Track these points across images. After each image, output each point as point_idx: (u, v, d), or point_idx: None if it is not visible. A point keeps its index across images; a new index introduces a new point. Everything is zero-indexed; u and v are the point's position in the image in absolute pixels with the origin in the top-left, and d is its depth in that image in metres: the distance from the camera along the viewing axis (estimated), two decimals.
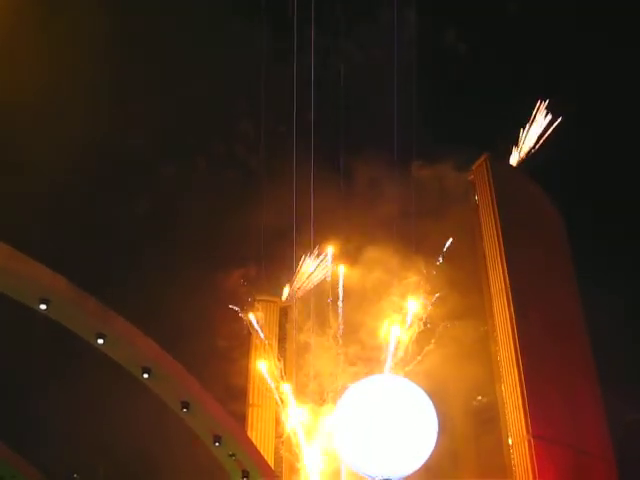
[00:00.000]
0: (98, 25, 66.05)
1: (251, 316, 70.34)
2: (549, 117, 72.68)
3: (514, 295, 63.38)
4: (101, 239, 71.98)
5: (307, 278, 72.67)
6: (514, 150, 73.27)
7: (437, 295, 64.41)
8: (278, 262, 69.21)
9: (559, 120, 72.33)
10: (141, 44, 68.96)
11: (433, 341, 63.48)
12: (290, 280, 73.90)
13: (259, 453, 55.46)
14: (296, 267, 72.15)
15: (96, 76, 67.07)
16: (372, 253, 66.14)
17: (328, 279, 70.17)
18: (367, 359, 64.78)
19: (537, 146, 72.86)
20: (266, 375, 67.63)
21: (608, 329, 70.81)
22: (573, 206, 74.35)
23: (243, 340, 70.43)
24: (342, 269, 68.99)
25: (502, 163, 71.83)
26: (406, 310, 64.92)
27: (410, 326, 64.39)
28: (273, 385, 68.11)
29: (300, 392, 66.81)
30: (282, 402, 67.28)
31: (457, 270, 65.59)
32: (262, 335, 69.70)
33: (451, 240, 66.98)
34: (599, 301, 69.34)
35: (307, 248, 70.03)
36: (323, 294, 69.49)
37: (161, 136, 74.90)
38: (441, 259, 66.37)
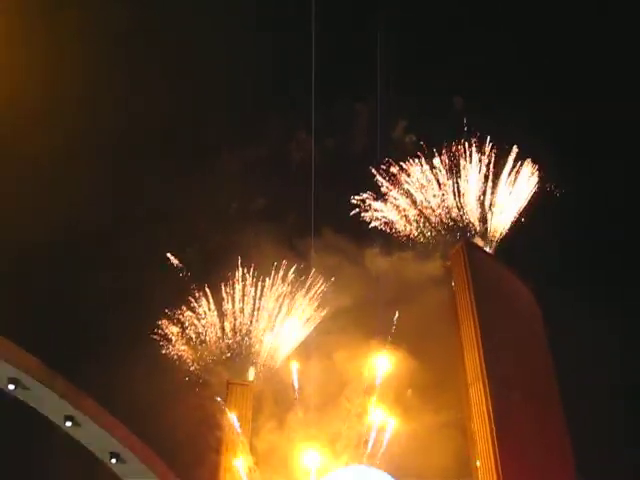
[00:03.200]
0: None
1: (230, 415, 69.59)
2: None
3: (491, 384, 62.91)
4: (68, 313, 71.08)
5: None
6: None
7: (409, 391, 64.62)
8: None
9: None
10: None
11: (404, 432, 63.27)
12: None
13: None
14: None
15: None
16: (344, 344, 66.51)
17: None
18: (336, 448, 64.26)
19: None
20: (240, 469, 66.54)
21: (588, 418, 70.49)
22: (550, 289, 74.65)
23: (214, 428, 69.04)
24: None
25: (478, 249, 72.20)
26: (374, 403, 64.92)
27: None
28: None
29: None
30: None
31: (433, 359, 65.31)
32: (237, 426, 68.51)
33: (426, 327, 66.73)
34: (577, 386, 69.33)
35: None
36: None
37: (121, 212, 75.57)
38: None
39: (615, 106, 73.44)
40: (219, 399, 69.43)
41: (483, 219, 73.22)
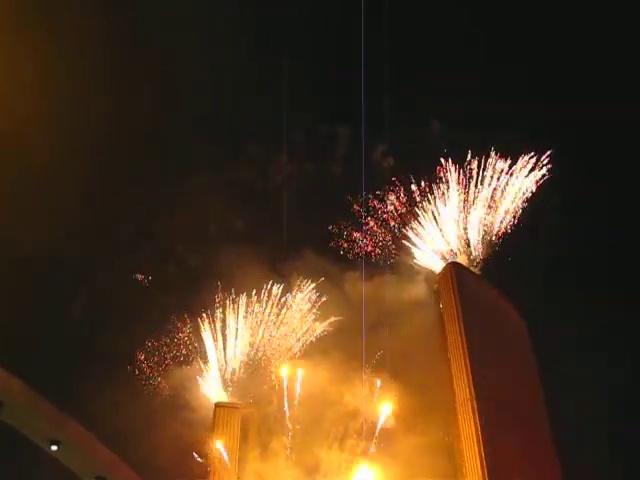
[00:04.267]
0: None
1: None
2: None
3: (479, 404, 62.71)
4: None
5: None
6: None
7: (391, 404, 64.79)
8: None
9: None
10: None
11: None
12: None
13: None
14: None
15: None
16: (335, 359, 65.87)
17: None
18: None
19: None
20: None
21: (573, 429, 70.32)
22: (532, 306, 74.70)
23: (204, 443, 68.19)
24: (300, 372, 68.56)
25: (465, 269, 72.18)
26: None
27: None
28: None
29: None
30: None
31: (422, 378, 65.04)
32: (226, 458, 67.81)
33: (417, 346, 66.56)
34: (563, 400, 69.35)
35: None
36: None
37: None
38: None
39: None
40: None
41: (467, 240, 73.72)
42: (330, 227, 75.21)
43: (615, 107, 71.92)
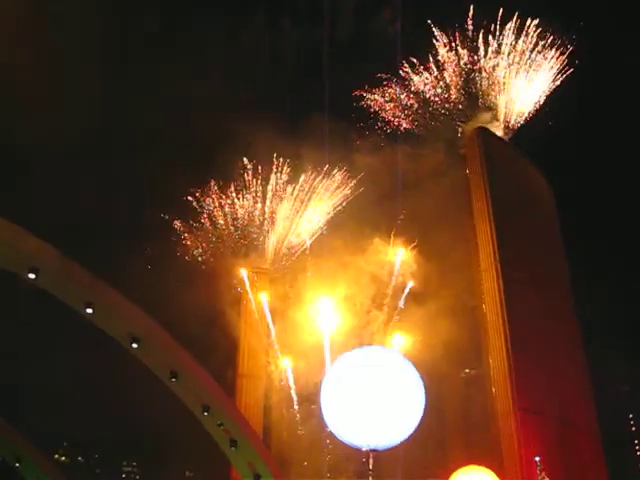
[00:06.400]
0: None
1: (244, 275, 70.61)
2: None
3: (503, 270, 63.60)
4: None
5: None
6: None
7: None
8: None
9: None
10: None
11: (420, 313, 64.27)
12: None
13: (247, 422, 55.85)
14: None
15: None
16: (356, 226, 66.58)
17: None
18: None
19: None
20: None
21: (598, 308, 71.76)
22: (561, 178, 74.43)
23: (233, 307, 70.48)
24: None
25: (493, 136, 71.50)
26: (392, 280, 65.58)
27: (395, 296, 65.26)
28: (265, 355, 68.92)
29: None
30: (275, 367, 67.96)
31: (446, 244, 65.58)
32: (253, 303, 69.94)
33: (441, 212, 66.72)
34: (587, 278, 70.29)
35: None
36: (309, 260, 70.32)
37: None
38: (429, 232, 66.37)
39: None
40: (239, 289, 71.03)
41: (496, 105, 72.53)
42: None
43: None
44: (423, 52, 72.96)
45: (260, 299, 69.88)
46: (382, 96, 73.99)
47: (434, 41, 72.45)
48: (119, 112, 73.06)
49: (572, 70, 71.33)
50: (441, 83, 73.12)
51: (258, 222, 73.68)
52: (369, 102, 73.98)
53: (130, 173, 74.06)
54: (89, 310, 43.16)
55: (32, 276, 40.78)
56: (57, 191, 70.97)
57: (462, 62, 72.49)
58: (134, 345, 45.36)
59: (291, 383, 66.94)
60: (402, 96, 73.76)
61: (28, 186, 69.23)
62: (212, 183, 73.33)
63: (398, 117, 73.96)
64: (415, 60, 73.29)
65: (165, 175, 70.44)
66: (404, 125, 73.67)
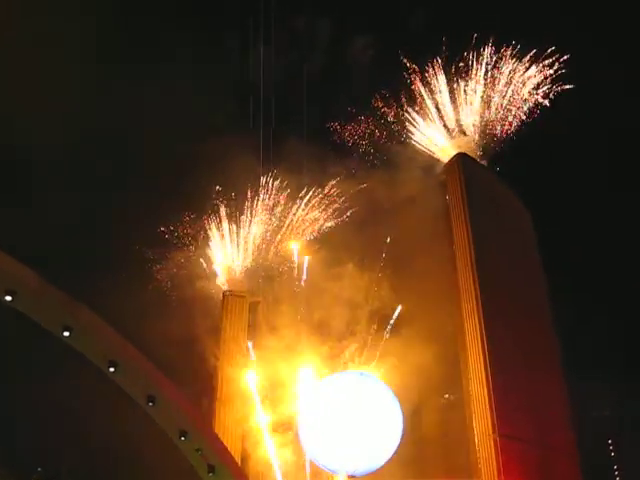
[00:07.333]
0: None
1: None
2: None
3: (482, 296, 63.81)
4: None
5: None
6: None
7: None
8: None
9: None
10: None
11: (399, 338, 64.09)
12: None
13: (225, 448, 55.35)
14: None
15: None
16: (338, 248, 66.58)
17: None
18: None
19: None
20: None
21: (579, 330, 71.96)
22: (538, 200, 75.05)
23: (211, 333, 69.97)
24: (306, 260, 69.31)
25: (473, 161, 71.98)
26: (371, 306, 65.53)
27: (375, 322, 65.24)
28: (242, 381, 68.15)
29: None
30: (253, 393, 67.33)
31: (425, 269, 65.67)
32: (230, 329, 69.55)
33: (419, 238, 66.73)
34: (566, 298, 70.52)
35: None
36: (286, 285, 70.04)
37: None
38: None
39: None
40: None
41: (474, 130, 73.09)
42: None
43: None
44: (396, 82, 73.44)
45: (238, 324, 69.51)
46: (356, 129, 74.51)
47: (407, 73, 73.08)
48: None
49: (549, 94, 72.07)
50: (418, 109, 73.59)
51: (234, 247, 73.61)
52: (344, 136, 74.56)
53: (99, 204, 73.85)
54: (66, 333, 42.74)
55: (9, 298, 40.35)
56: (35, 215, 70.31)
57: (438, 89, 73.04)
58: (111, 369, 44.98)
59: (269, 409, 66.29)
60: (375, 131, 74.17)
61: None
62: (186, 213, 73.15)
63: (373, 147, 74.40)
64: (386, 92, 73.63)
65: (135, 206, 70.11)
66: (378, 154, 73.96)
